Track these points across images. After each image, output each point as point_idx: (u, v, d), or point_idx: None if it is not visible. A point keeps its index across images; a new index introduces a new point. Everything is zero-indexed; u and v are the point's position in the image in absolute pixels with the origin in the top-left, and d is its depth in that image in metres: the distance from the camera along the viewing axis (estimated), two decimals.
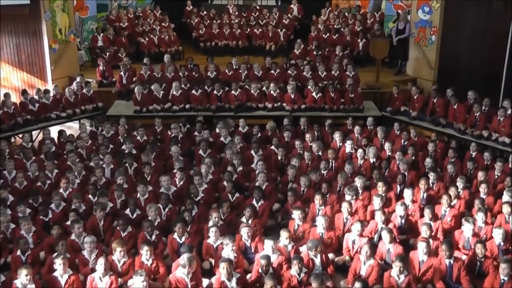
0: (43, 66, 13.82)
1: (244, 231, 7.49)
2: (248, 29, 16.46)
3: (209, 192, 8.89)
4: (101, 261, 6.56)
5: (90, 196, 8.60)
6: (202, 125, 11.36)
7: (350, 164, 9.50)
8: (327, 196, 8.67)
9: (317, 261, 7.09)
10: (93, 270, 6.81)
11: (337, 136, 10.67)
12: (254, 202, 8.47)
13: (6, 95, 12.01)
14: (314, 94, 12.32)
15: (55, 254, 6.98)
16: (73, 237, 7.50)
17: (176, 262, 6.81)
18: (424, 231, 7.41)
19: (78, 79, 13.00)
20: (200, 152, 10.30)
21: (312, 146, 10.37)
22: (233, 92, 12.43)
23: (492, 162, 9.65)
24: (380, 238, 7.68)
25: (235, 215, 8.29)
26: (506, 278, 6.60)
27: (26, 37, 13.59)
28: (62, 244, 7.06)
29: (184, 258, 6.52)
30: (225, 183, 9.00)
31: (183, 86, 12.62)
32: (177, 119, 11.66)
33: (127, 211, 8.24)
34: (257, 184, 8.96)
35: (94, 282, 6.58)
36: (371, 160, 9.96)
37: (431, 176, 9.08)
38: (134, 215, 8.19)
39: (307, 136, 10.74)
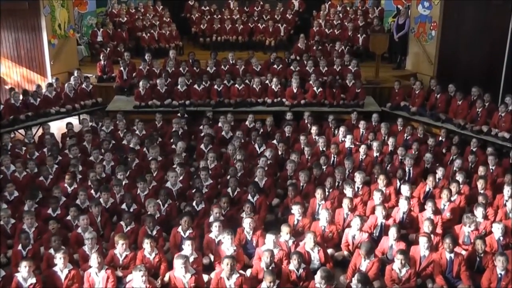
0: (42, 61, 13.80)
1: (246, 222, 7.48)
2: (250, 24, 16.43)
3: (212, 187, 8.90)
4: (94, 256, 6.57)
5: (92, 191, 8.61)
6: (208, 120, 11.32)
7: (349, 159, 9.49)
8: (330, 191, 8.67)
9: (314, 254, 7.10)
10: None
11: (341, 131, 10.64)
12: (249, 197, 8.46)
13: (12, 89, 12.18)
14: (315, 88, 12.31)
15: (51, 249, 6.98)
16: (79, 230, 7.51)
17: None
18: (426, 226, 7.41)
19: (75, 73, 12.99)
20: (202, 146, 10.30)
21: (319, 141, 10.36)
22: (236, 85, 12.42)
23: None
24: (380, 233, 7.71)
25: (236, 210, 8.30)
26: (503, 272, 6.62)
27: (25, 32, 13.56)
28: (55, 240, 7.01)
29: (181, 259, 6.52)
30: (228, 177, 8.99)
31: (186, 81, 12.59)
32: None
33: (123, 206, 8.22)
34: (256, 179, 8.97)
35: (91, 278, 6.60)
36: (375, 155, 9.97)
37: (440, 171, 9.04)
38: (131, 210, 8.15)
39: (313, 129, 10.75)
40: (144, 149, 10.12)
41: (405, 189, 8.39)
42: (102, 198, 8.33)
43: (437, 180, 8.93)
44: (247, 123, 11.29)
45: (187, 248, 6.86)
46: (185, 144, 10.19)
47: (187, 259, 6.55)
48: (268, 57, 14.17)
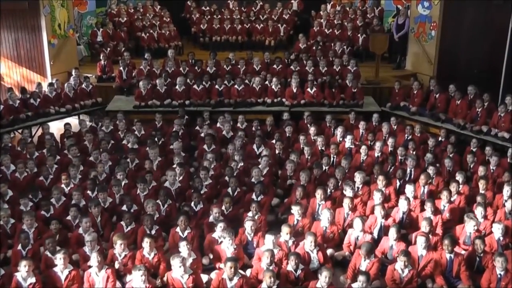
0: (42, 61, 13.80)
1: (248, 225, 7.47)
2: (249, 24, 16.45)
3: (212, 187, 8.89)
4: (95, 255, 6.57)
5: (88, 191, 8.60)
6: (203, 120, 11.34)
7: (347, 159, 9.46)
8: (332, 191, 8.66)
9: (314, 255, 7.10)
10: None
11: (339, 131, 10.64)
12: (254, 196, 8.45)
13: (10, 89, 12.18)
14: (309, 89, 12.31)
15: (46, 250, 6.99)
16: (80, 231, 7.50)
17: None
18: (424, 226, 7.41)
19: (73, 72, 12.99)
20: (205, 147, 10.29)
21: (317, 141, 10.35)
22: (236, 86, 12.41)
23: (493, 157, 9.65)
24: (380, 233, 7.70)
25: (238, 210, 8.28)
26: (502, 273, 6.62)
27: (25, 32, 13.55)
28: (48, 243, 7.00)
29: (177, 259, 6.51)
30: (226, 178, 8.98)
31: (185, 81, 12.58)
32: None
33: (124, 207, 8.18)
34: (253, 179, 8.95)
35: (91, 278, 6.59)
36: (376, 154, 9.96)
37: (431, 170, 9.08)
38: (132, 211, 8.12)
39: (312, 130, 10.74)
40: (146, 148, 10.09)
41: (409, 190, 8.38)
42: (100, 198, 8.32)
43: (430, 179, 8.92)
44: (238, 124, 11.26)
45: (183, 249, 6.80)
46: (181, 144, 10.18)
47: (184, 258, 6.53)
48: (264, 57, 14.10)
